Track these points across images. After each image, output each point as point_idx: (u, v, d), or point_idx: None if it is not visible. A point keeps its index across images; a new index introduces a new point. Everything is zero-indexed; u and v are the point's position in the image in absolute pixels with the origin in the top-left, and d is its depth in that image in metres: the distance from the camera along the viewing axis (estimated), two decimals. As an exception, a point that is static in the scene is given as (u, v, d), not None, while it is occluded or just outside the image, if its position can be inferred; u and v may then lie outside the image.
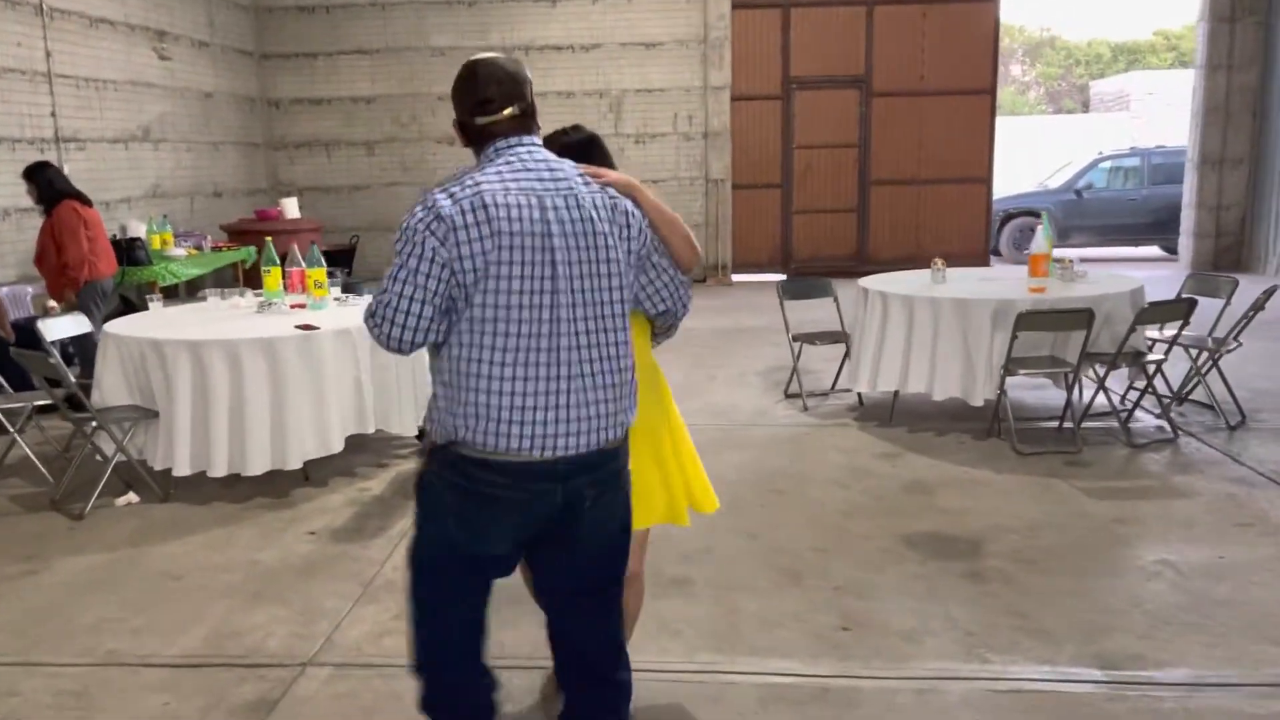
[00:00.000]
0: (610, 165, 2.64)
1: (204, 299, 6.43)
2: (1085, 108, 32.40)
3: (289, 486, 5.28)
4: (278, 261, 5.98)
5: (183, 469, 5.01)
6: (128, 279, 8.21)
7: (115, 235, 8.56)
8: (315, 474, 5.39)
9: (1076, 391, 5.82)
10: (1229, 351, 6.09)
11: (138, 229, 9.15)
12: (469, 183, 2.18)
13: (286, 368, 4.97)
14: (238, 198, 12.37)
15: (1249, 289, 6.47)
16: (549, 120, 2.52)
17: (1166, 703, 3.10)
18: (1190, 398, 6.38)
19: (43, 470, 5.48)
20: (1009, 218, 15.25)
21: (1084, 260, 8.77)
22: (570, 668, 2.53)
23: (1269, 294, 5.97)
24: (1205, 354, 6.12)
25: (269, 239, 6.53)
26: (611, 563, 2.43)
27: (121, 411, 5.13)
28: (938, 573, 4.06)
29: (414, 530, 2.39)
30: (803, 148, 13.51)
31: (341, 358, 5.14)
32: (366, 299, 5.97)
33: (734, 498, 5.02)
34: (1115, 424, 5.93)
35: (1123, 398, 6.13)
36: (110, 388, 5.20)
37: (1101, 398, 5.87)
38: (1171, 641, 3.46)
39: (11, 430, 5.57)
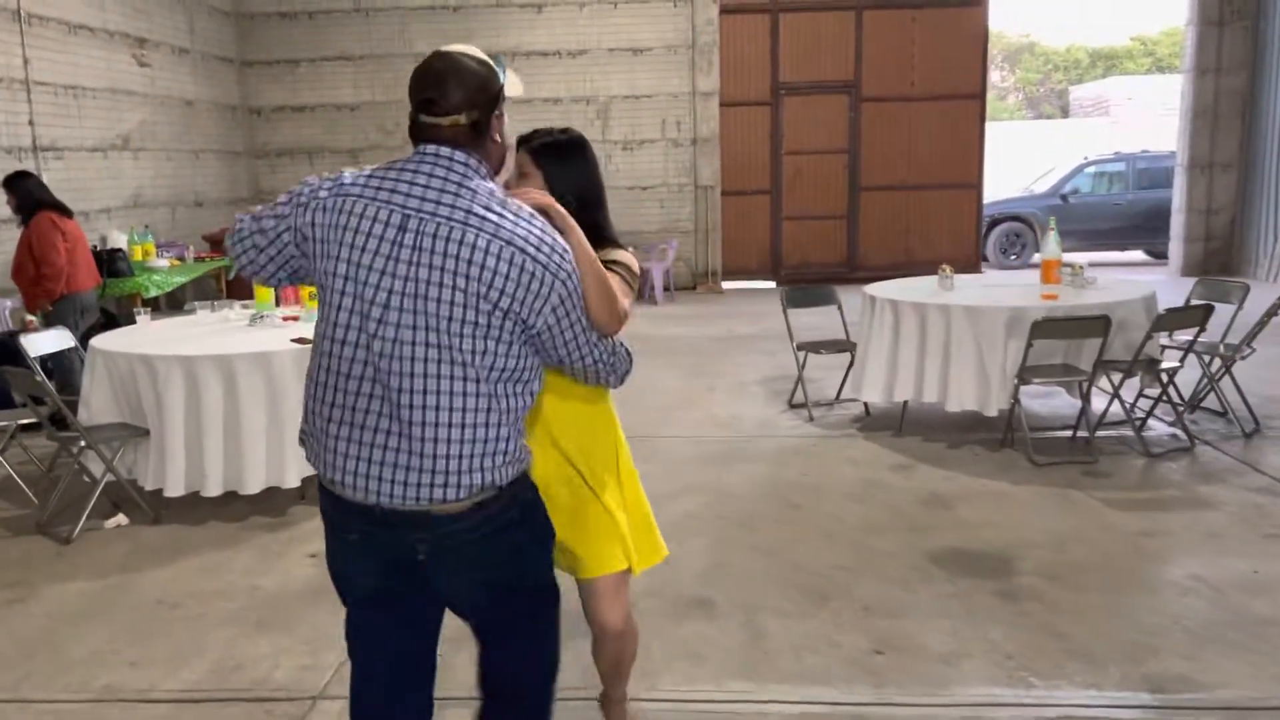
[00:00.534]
0: (594, 169, 2.51)
1: (192, 311, 6.24)
2: (1065, 113, 32.53)
3: (286, 505, 5.09)
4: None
5: (175, 489, 4.81)
6: (110, 291, 7.99)
7: (96, 246, 8.32)
8: (312, 491, 5.18)
9: (1090, 400, 5.71)
10: (1244, 358, 6.00)
11: (119, 240, 8.93)
12: (345, 179, 2.10)
13: (283, 382, 4.78)
14: (220, 207, 12.14)
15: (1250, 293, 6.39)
16: (535, 128, 2.51)
17: (1222, 728, 2.98)
18: (1202, 405, 6.29)
19: (27, 491, 5.26)
20: (994, 223, 15.12)
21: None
22: (483, 683, 2.28)
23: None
24: (1218, 360, 6.03)
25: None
26: (496, 610, 2.15)
27: (110, 430, 4.92)
28: (969, 591, 3.92)
29: None
30: (792, 153, 13.40)
31: (339, 372, 4.95)
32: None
33: (747, 512, 4.88)
34: (1128, 432, 5.81)
35: (1133, 405, 6.04)
36: (98, 405, 5.00)
37: (1113, 405, 5.76)
38: (1217, 662, 3.34)
39: (-7, 450, 5.35)
